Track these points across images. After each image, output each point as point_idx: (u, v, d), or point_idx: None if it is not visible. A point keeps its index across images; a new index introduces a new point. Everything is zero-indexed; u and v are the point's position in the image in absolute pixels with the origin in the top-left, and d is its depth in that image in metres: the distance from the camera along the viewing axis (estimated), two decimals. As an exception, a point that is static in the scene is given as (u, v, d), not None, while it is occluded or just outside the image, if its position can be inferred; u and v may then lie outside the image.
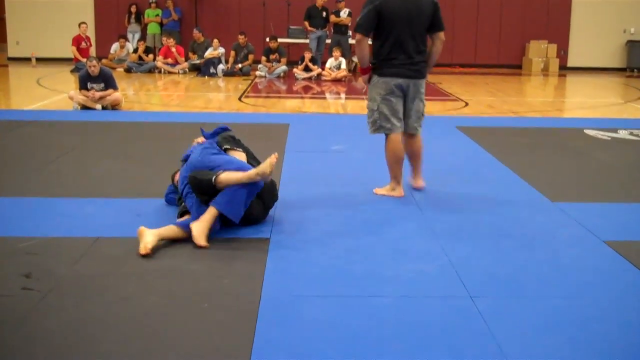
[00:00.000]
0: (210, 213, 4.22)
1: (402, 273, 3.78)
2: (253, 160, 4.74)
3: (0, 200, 5.00)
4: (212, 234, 4.25)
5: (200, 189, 4.30)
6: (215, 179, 4.23)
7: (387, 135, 5.27)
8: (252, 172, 4.25)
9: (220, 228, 4.32)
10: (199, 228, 4.13)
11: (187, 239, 4.16)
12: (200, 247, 4.05)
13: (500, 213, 4.93)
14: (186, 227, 4.20)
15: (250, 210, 4.41)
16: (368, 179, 5.80)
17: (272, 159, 4.27)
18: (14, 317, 3.14)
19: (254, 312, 3.23)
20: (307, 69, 14.32)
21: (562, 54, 17.39)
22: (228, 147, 4.72)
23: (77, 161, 6.36)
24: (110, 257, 3.93)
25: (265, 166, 4.24)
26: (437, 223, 4.66)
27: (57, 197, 5.12)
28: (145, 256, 3.91)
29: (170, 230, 4.21)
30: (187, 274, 3.72)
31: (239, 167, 4.36)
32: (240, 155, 4.68)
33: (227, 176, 4.25)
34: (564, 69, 17.32)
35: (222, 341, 2.97)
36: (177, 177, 4.83)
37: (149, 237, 4.03)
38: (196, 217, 4.27)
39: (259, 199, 4.46)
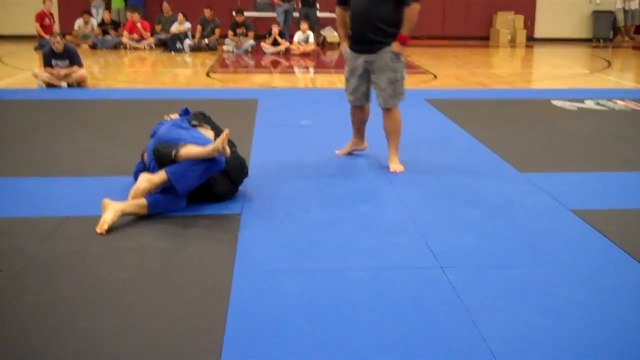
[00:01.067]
0: (159, 176, 4.26)
1: (373, 245, 3.81)
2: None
3: (-34, 180, 4.93)
4: (179, 212, 4.24)
5: (162, 162, 4.31)
6: (175, 153, 4.23)
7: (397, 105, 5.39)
8: (208, 148, 4.25)
9: (186, 206, 4.32)
10: (104, 215, 4.05)
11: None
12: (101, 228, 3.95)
13: (469, 184, 4.98)
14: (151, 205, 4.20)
15: (216, 186, 4.41)
16: (338, 155, 5.82)
17: (223, 135, 4.26)
18: (-17, 297, 3.12)
19: (227, 288, 3.23)
20: (275, 43, 14.23)
21: (529, 25, 17.48)
22: (196, 123, 4.70)
23: (43, 140, 6.27)
24: (80, 236, 3.90)
25: (217, 142, 4.22)
26: (407, 194, 4.69)
27: (23, 176, 5.05)
28: (101, 234, 3.89)
29: (139, 207, 4.18)
30: (158, 251, 3.71)
31: (202, 144, 4.34)
32: (208, 133, 4.66)
33: (187, 150, 4.24)
34: (531, 40, 17.42)
35: (195, 317, 2.98)
36: (145, 152, 4.80)
37: (109, 215, 4.02)
38: (159, 191, 4.28)
39: (226, 176, 4.45)
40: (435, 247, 3.76)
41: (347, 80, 5.42)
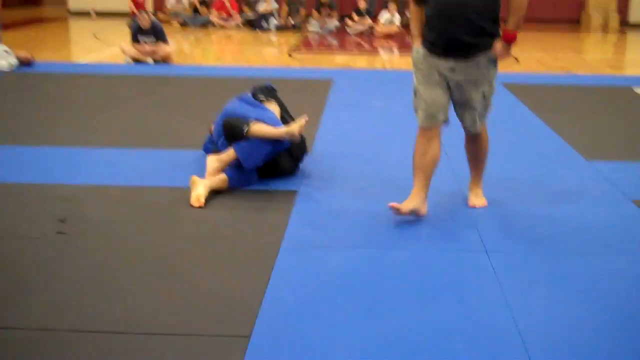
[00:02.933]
0: (229, 154, 4.40)
1: (423, 227, 3.86)
2: (286, 114, 4.86)
3: (46, 149, 5.23)
4: (246, 185, 4.40)
5: (232, 135, 4.44)
6: (247, 129, 4.36)
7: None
8: (281, 130, 4.37)
9: (257, 180, 4.48)
10: (195, 190, 4.17)
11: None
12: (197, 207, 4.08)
13: (529, 168, 4.95)
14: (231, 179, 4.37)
15: (280, 163, 4.55)
16: (404, 136, 5.85)
17: (302, 121, 4.40)
18: (45, 258, 3.35)
19: (271, 260, 3.35)
20: (360, 17, 14.26)
21: (623, 8, 16.85)
22: (263, 98, 4.84)
23: (124, 113, 6.56)
24: (144, 205, 4.10)
25: (294, 127, 4.36)
26: (464, 177, 4.69)
27: (100, 146, 5.32)
28: (199, 207, 4.04)
29: (221, 181, 4.35)
30: (213, 221, 3.88)
31: (272, 123, 4.48)
32: (274, 108, 4.80)
33: (258, 128, 4.37)
34: (625, 25, 16.80)
35: (236, 286, 3.11)
36: (212, 126, 4.98)
37: (201, 189, 4.17)
38: (234, 167, 4.45)
39: (288, 153, 4.58)
40: (484, 231, 3.78)
41: (418, 92, 3.92)
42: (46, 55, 10.29)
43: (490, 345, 2.67)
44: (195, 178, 4.24)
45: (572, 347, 2.66)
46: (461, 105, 3.93)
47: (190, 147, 5.28)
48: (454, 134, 4.32)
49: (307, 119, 4.47)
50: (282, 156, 4.55)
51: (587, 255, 3.52)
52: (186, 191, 4.26)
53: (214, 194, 4.25)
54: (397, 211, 3.81)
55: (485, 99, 3.90)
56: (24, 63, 9.04)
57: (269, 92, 4.97)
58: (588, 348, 2.66)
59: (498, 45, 3.71)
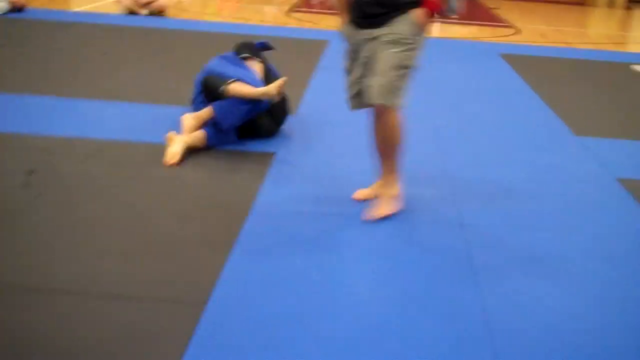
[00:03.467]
0: (206, 111, 4.32)
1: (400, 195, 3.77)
2: (270, 73, 4.74)
3: (24, 97, 5.12)
4: (224, 144, 4.31)
5: (210, 94, 4.37)
6: (224, 88, 4.27)
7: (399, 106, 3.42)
8: (258, 90, 4.27)
9: (237, 141, 4.39)
10: (171, 147, 4.07)
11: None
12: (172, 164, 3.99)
13: (517, 141, 4.86)
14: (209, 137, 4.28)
15: (260, 124, 4.45)
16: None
17: (280, 81, 4.29)
18: (8, 211, 3.26)
19: (240, 223, 3.28)
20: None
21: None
22: (247, 55, 4.73)
23: (110, 65, 6.44)
24: (117, 160, 4.01)
25: (271, 88, 4.25)
26: (450, 149, 4.61)
27: (82, 98, 5.22)
28: (172, 165, 3.95)
29: (199, 138, 4.25)
30: (186, 181, 3.79)
31: (252, 83, 4.37)
32: (257, 67, 4.69)
33: (236, 88, 4.27)
34: (633, 1, 16.56)
35: (200, 249, 3.03)
36: None
37: (177, 146, 4.07)
38: (212, 125, 4.36)
39: (269, 114, 4.48)
40: (462, 203, 3.70)
41: (347, 72, 3.51)
42: (41, 2, 10.12)
43: (456, 322, 2.60)
44: (171, 134, 4.14)
45: (540, 330, 2.59)
46: (369, 72, 3.31)
47: (175, 102, 5.17)
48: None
49: (286, 79, 4.35)
50: (263, 117, 4.45)
51: (563, 233, 3.44)
52: (163, 148, 4.16)
53: (191, 152, 4.16)
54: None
55: (395, 69, 3.22)
56: (16, 8, 8.87)
57: (254, 50, 4.84)
58: (559, 331, 2.59)
59: (418, 11, 3.21)
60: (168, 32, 8.44)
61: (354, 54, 3.40)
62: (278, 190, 3.74)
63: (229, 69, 4.51)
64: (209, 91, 4.40)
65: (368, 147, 4.49)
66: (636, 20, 14.66)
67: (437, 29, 10.48)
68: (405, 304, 2.68)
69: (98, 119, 4.74)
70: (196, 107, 4.54)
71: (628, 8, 15.87)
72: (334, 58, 7.30)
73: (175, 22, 9.36)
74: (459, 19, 11.54)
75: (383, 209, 3.45)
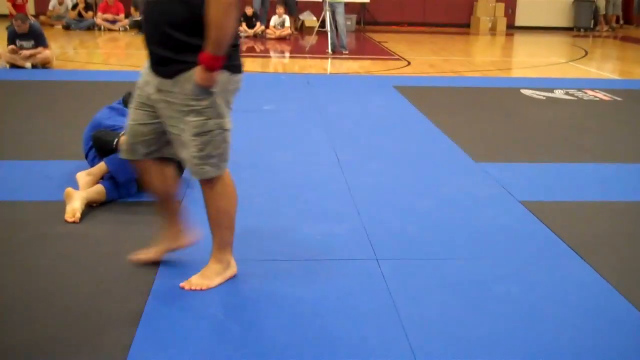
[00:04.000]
0: (100, 167, 4.18)
1: (313, 234, 3.71)
2: None
3: None
4: (126, 197, 4.14)
5: (102, 150, 4.23)
6: (117, 141, 4.12)
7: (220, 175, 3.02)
8: None
9: (137, 192, 4.22)
10: (71, 204, 3.89)
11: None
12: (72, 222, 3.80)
13: (421, 172, 4.90)
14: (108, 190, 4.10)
15: None
16: (295, 141, 5.74)
17: None
18: None
19: (150, 281, 3.12)
20: (250, 26, 14.05)
21: (510, 12, 17.38)
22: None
23: (-4, 121, 6.13)
24: (12, 221, 3.78)
25: None
26: (356, 183, 4.59)
27: (-35, 158, 4.93)
28: (72, 223, 3.77)
29: (97, 193, 4.06)
30: (88, 238, 3.60)
31: None
32: None
33: None
34: (512, 28, 17.33)
35: (112, 307, 2.87)
36: None
37: (77, 203, 3.88)
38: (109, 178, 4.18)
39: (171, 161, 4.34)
40: (375, 238, 3.66)
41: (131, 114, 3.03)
42: None
43: (379, 353, 2.54)
44: (70, 190, 3.95)
45: (462, 355, 2.56)
46: (175, 143, 2.94)
47: (67, 157, 4.96)
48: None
49: None
50: None
51: (477, 259, 3.45)
52: (60, 205, 3.96)
53: (90, 207, 3.97)
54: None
55: (203, 135, 2.83)
56: None
57: None
58: (479, 355, 2.56)
59: (197, 69, 2.74)
60: (55, 83, 8.15)
61: (145, 99, 2.94)
62: (186, 240, 3.59)
63: (117, 120, 4.37)
64: (100, 146, 4.28)
65: (272, 186, 4.42)
66: (517, 45, 15.31)
67: (330, 65, 10.60)
68: (329, 344, 2.60)
69: (-14, 180, 4.47)
70: (90, 161, 4.38)
71: (508, 34, 16.56)
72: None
73: (61, 73, 9.06)
74: (350, 55, 11.71)
75: (212, 280, 3.08)
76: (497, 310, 2.94)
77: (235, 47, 2.88)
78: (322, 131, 6.05)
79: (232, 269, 3.17)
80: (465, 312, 2.91)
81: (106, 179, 4.15)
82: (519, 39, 16.05)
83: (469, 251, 3.57)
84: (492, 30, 16.84)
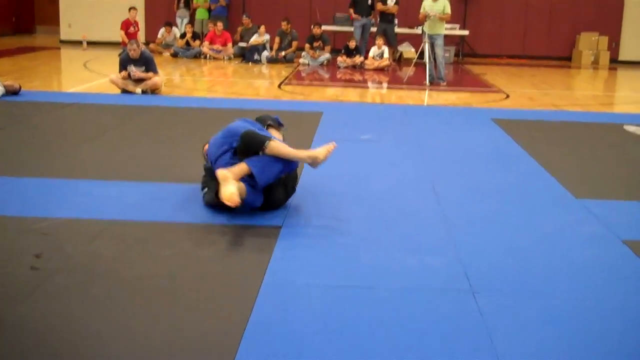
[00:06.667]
0: (241, 167, 4.25)
1: (408, 265, 3.76)
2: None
3: (26, 180, 5.12)
4: (251, 206, 4.33)
5: (248, 147, 4.32)
6: (267, 144, 4.25)
7: None
8: (303, 152, 4.29)
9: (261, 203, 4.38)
10: (229, 187, 4.04)
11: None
12: (233, 206, 3.99)
13: (520, 207, 4.87)
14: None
15: (273, 194, 4.46)
16: (391, 170, 5.81)
17: (330, 146, 4.30)
18: (17, 295, 3.22)
19: (252, 299, 3.25)
20: (350, 57, 14.26)
21: (614, 46, 16.97)
22: (271, 124, 4.79)
23: (108, 144, 6.46)
24: (123, 240, 3.99)
25: (320, 152, 4.27)
26: (453, 215, 4.62)
27: (81, 178, 5.21)
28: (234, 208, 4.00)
29: (242, 189, 4.19)
30: (193, 258, 3.76)
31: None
32: (278, 135, 4.74)
33: (277, 146, 4.28)
34: (615, 62, 16.89)
35: (214, 326, 3.00)
36: (206, 147, 4.86)
37: (233, 187, 4.03)
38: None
39: (283, 186, 4.49)
40: (471, 271, 3.68)
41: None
42: (35, 85, 10.23)
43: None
44: (225, 173, 4.09)
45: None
46: None
47: (173, 180, 5.19)
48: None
49: (335, 145, 4.34)
50: (276, 187, 4.45)
51: (577, 297, 3.42)
52: (168, 225, 4.17)
53: (192, 229, 4.15)
54: None
55: None
56: (11, 92, 8.95)
57: (275, 121, 4.93)
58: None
59: None
60: (163, 109, 8.51)
61: None
62: (286, 264, 3.71)
63: (259, 129, 4.52)
64: (248, 144, 4.33)
65: (370, 215, 4.51)
66: (621, 80, 14.93)
67: (428, 96, 10.64)
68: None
69: (99, 199, 4.73)
70: (222, 166, 4.46)
71: (611, 68, 16.17)
72: (330, 129, 7.40)
73: (168, 99, 9.45)
74: (447, 86, 11.72)
75: None
76: (597, 349, 2.91)
77: None
78: (419, 162, 6.11)
79: None
80: (563, 349, 2.89)
81: (244, 180, 4.25)
82: (623, 73, 15.64)
83: (568, 288, 3.54)
84: (595, 64, 16.47)
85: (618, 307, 3.34)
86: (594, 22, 16.87)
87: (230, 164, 4.38)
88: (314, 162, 4.30)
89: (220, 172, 4.16)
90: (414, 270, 3.69)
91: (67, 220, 4.27)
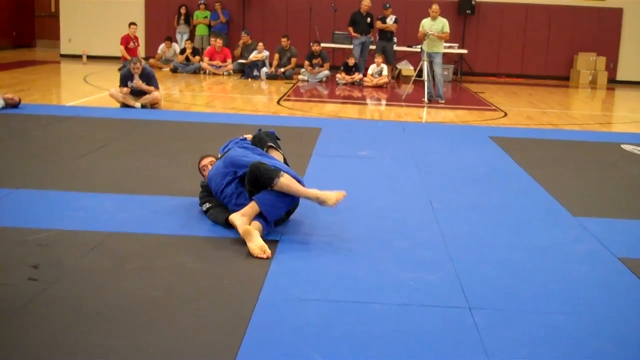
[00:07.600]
0: (252, 208, 4.29)
1: (404, 281, 3.77)
2: (286, 162, 4.85)
3: (24, 192, 5.13)
4: (227, 234, 4.32)
5: (255, 181, 4.32)
6: (276, 181, 4.27)
7: None
8: (313, 192, 4.32)
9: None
10: (255, 240, 4.05)
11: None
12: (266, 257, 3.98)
13: (517, 224, 4.88)
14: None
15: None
16: (389, 187, 5.82)
17: (341, 194, 4.34)
18: (14, 306, 3.22)
19: (248, 313, 3.25)
20: (349, 74, 14.33)
21: (611, 67, 17.06)
22: (272, 145, 4.81)
23: (106, 157, 6.48)
24: (119, 252, 4.00)
25: (331, 196, 4.32)
26: (450, 231, 4.63)
27: (79, 191, 5.22)
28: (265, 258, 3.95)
29: (260, 230, 4.23)
30: (191, 272, 3.77)
31: (295, 176, 4.45)
32: (279, 156, 4.77)
33: (288, 182, 4.30)
34: (613, 82, 16.97)
35: (211, 340, 3.00)
36: (202, 162, 4.89)
37: (259, 239, 4.05)
38: (233, 209, 4.41)
39: (286, 213, 4.56)
40: (468, 288, 3.69)
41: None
42: (35, 98, 10.25)
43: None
44: (249, 228, 4.10)
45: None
46: None
47: (171, 193, 5.20)
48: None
49: (344, 194, 4.40)
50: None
51: (573, 314, 3.43)
52: (167, 238, 4.17)
53: (189, 243, 4.16)
54: None
55: None
56: (10, 104, 8.98)
57: (275, 139, 4.94)
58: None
59: None
60: (162, 123, 8.54)
61: None
62: (283, 278, 3.72)
63: (270, 159, 4.54)
64: (257, 177, 4.31)
65: (367, 232, 4.52)
66: (618, 100, 14.98)
67: (426, 113, 10.67)
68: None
69: (97, 212, 4.73)
70: (228, 196, 4.53)
71: (609, 88, 16.24)
72: (328, 145, 7.43)
73: (168, 113, 9.48)
74: (446, 104, 11.76)
75: None
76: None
77: None
78: (417, 178, 6.12)
79: None
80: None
81: (257, 217, 4.29)
82: (620, 93, 15.71)
83: (564, 305, 3.54)
84: (592, 84, 16.55)
85: (614, 323, 3.35)
86: (592, 42, 16.99)
87: (236, 194, 4.48)
88: (321, 204, 4.34)
89: (243, 229, 4.14)
90: (411, 286, 3.70)
91: (65, 232, 4.28)
